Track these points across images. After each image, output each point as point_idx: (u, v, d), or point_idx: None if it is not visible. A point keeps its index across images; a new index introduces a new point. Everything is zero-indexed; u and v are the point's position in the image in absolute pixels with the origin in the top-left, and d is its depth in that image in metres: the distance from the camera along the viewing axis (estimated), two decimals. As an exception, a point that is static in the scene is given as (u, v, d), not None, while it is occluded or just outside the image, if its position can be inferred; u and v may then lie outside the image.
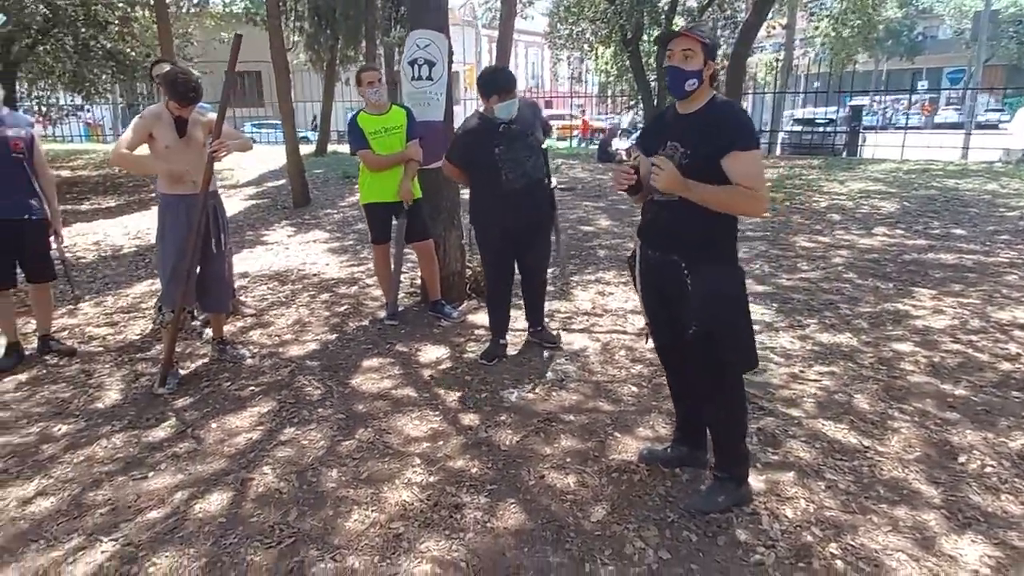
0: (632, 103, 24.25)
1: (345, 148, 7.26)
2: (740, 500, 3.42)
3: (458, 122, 5.56)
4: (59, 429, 4.46)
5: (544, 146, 5.23)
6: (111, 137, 26.93)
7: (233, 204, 12.45)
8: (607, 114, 33.74)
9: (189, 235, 4.81)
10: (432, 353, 5.51)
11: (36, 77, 16.66)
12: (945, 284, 6.76)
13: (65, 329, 6.26)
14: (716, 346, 3.21)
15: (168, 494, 3.68)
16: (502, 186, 5.00)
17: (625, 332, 5.76)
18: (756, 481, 3.59)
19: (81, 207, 12.59)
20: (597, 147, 17.36)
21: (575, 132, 30.32)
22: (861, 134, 21.50)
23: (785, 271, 7.37)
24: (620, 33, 19.03)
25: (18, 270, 5.51)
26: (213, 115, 4.98)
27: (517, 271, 5.47)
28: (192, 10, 19.88)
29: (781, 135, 22.69)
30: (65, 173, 16.46)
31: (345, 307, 6.69)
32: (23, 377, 5.27)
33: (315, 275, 7.88)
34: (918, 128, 28.09)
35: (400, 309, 6.37)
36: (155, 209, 5.19)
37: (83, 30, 14.36)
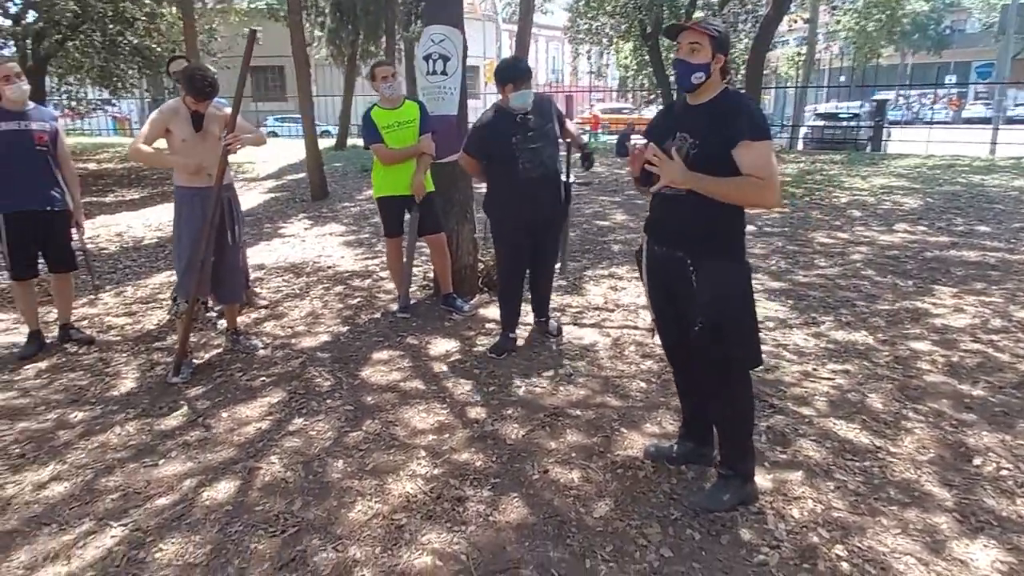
0: (652, 97, 24.12)
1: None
2: (746, 498, 3.39)
3: (477, 116, 5.54)
4: (75, 416, 4.54)
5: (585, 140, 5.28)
6: (138, 131, 27.25)
7: (253, 197, 12.58)
8: (631, 109, 33.57)
9: (204, 227, 4.87)
10: (442, 346, 5.52)
11: (65, 72, 16.88)
12: (967, 282, 6.67)
13: (85, 318, 6.36)
14: (722, 342, 3.19)
15: (177, 481, 3.73)
16: (519, 175, 5.02)
17: (636, 327, 5.74)
18: (763, 480, 3.56)
19: (105, 199, 12.76)
20: (616, 141, 17.26)
21: (585, 127, 30.22)
22: (886, 129, 21.28)
23: (802, 267, 7.31)
24: (639, 27, 18.96)
25: (40, 261, 5.62)
26: (229, 110, 5.03)
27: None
28: (217, 6, 19.99)
29: (803, 130, 22.51)
30: (91, 166, 16.67)
31: (358, 300, 6.72)
32: (43, 365, 5.37)
33: (330, 268, 7.93)
34: (945, 123, 27.83)
35: (412, 302, 6.39)
36: (177, 202, 5.29)
37: (111, 26, 14.57)
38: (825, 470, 3.68)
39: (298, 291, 7.07)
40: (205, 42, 17.47)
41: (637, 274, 3.62)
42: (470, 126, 5.51)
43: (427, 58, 6.08)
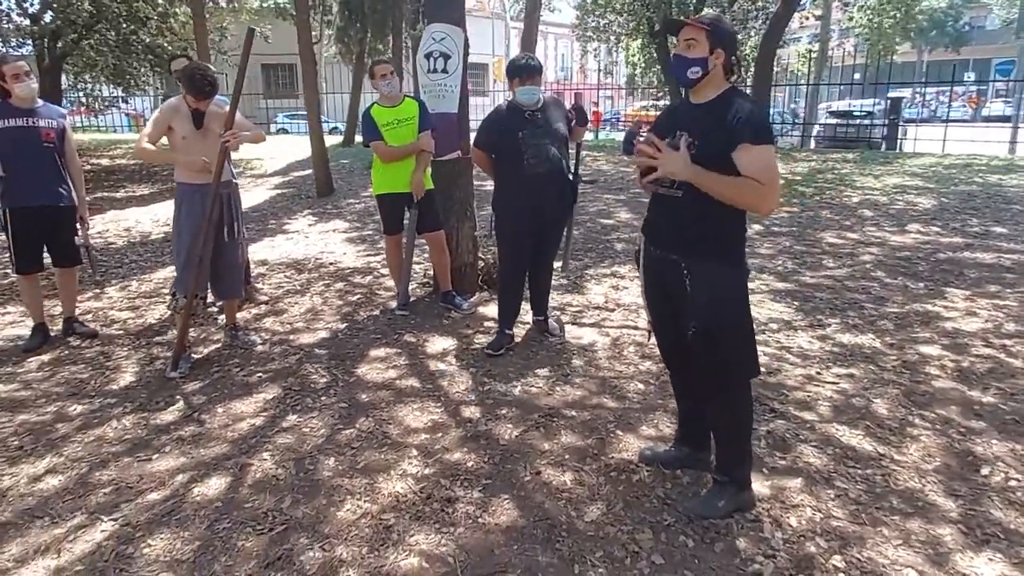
0: (660, 95, 24.04)
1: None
2: (742, 505, 3.31)
3: (483, 113, 5.65)
4: (74, 409, 4.55)
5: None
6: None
7: (259, 193, 12.63)
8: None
9: (202, 223, 4.90)
10: (439, 344, 5.49)
11: (81, 70, 17.08)
12: (980, 285, 6.57)
13: (89, 312, 6.40)
14: (716, 348, 3.13)
15: (169, 477, 3.72)
16: (524, 170, 5.06)
17: (636, 328, 5.67)
18: (761, 487, 3.49)
19: (116, 195, 12.82)
20: (623, 137, 17.20)
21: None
22: (901, 127, 21.08)
23: (809, 268, 7.23)
24: (648, 25, 18.87)
25: (46, 255, 5.69)
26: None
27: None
28: (228, 5, 20.11)
29: (816, 128, 22.35)
30: (104, 162, 16.85)
31: (358, 296, 6.71)
32: (46, 358, 5.41)
33: (332, 264, 7.93)
34: (964, 121, 27.55)
35: (412, 299, 6.38)
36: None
37: (124, 25, 14.73)
38: (826, 477, 3.59)
39: (299, 287, 7.07)
40: (216, 41, 17.55)
41: (639, 274, 3.55)
42: (473, 124, 5.52)
43: (428, 56, 6.09)
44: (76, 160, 5.69)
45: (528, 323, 5.73)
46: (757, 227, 8.78)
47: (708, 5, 18.66)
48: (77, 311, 6.01)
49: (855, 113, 21.95)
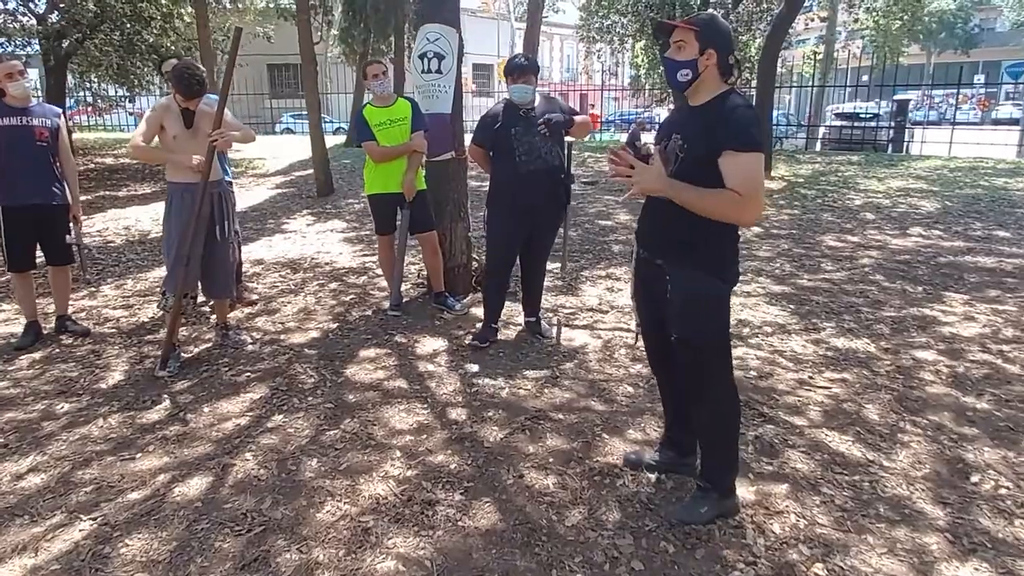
0: (663, 96, 23.96)
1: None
2: (725, 512, 3.27)
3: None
4: (62, 407, 4.53)
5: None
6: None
7: (260, 193, 12.67)
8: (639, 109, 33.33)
9: (190, 221, 4.90)
10: (430, 345, 5.46)
11: (85, 70, 17.12)
12: (980, 289, 6.53)
13: (83, 310, 6.40)
14: (693, 354, 3.10)
15: (151, 476, 3.69)
16: (517, 167, 5.12)
17: (629, 330, 5.64)
18: (746, 492, 3.45)
19: (118, 193, 12.83)
20: (626, 140, 17.18)
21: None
22: (908, 129, 20.98)
23: (807, 271, 7.20)
24: (651, 26, 18.79)
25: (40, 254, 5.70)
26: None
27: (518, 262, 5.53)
28: (232, 5, 20.17)
29: (822, 130, 22.26)
30: (108, 160, 16.87)
31: (351, 296, 6.70)
32: (37, 356, 5.40)
33: (327, 264, 7.93)
34: (973, 124, 27.43)
35: (405, 300, 6.36)
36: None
37: (128, 25, 14.77)
38: (812, 483, 3.55)
39: (293, 287, 7.06)
40: (219, 41, 17.60)
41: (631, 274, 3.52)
42: (471, 123, 5.54)
43: (422, 56, 6.09)
44: (70, 159, 5.70)
45: (520, 324, 5.70)
46: (757, 229, 8.75)
47: (712, 6, 18.57)
48: (71, 309, 6.01)
49: (861, 115, 21.83)
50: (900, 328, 5.62)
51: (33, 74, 18.45)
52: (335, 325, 5.91)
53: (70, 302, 6.02)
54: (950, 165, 14.25)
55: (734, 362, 3.28)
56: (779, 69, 18.12)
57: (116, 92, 18.96)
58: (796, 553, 3.04)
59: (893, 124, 20.60)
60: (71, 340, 5.67)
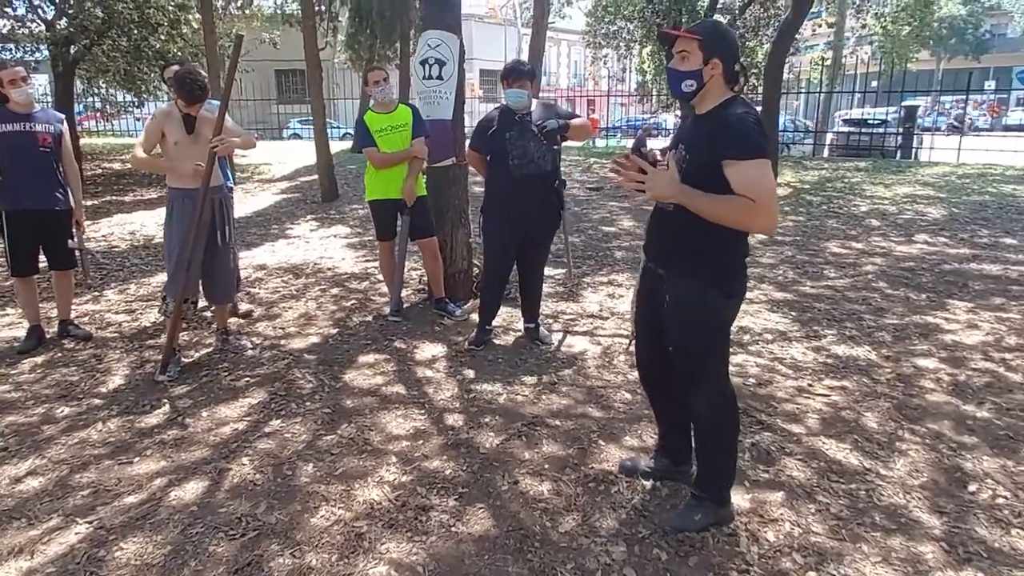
0: (670, 102, 23.96)
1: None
2: (719, 520, 3.25)
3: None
4: (62, 411, 4.55)
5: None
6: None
7: (265, 198, 12.74)
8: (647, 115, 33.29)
9: (191, 227, 4.92)
10: (429, 351, 5.47)
11: (93, 76, 17.18)
12: (984, 297, 6.51)
13: (86, 315, 6.41)
14: (695, 363, 3.10)
15: (148, 480, 3.70)
16: (510, 172, 5.15)
17: (627, 336, 5.59)
18: (741, 500, 3.44)
19: (125, 198, 12.91)
20: (631, 146, 17.20)
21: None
22: (917, 136, 20.91)
23: (810, 278, 7.18)
24: (657, 32, 18.82)
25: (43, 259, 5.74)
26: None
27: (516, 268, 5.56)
28: (238, 12, 20.22)
29: (829, 136, 22.21)
30: (116, 166, 16.96)
31: (352, 302, 6.71)
32: (39, 360, 5.42)
33: (329, 269, 7.94)
34: (983, 130, 27.33)
35: (405, 306, 6.38)
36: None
37: (135, 32, 14.84)
38: (808, 492, 3.53)
39: (295, 292, 7.08)
40: (226, 47, 17.66)
41: (636, 282, 3.50)
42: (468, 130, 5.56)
43: (423, 63, 6.10)
44: (73, 165, 5.73)
45: (520, 330, 5.71)
46: (761, 236, 8.71)
47: (719, 12, 18.57)
48: (73, 314, 6.04)
49: (869, 121, 21.76)
50: (902, 336, 5.60)
51: (42, 80, 18.49)
52: (335, 330, 5.93)
53: (73, 306, 6.04)
54: (958, 172, 14.20)
55: (733, 369, 3.28)
56: (786, 75, 18.07)
57: (124, 98, 19.01)
58: (790, 561, 3.02)
59: (901, 130, 20.54)
60: (73, 344, 5.70)
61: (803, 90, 31.19)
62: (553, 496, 3.50)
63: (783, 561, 3.03)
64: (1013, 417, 4.27)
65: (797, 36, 17.27)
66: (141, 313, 6.45)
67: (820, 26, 30.04)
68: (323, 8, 18.85)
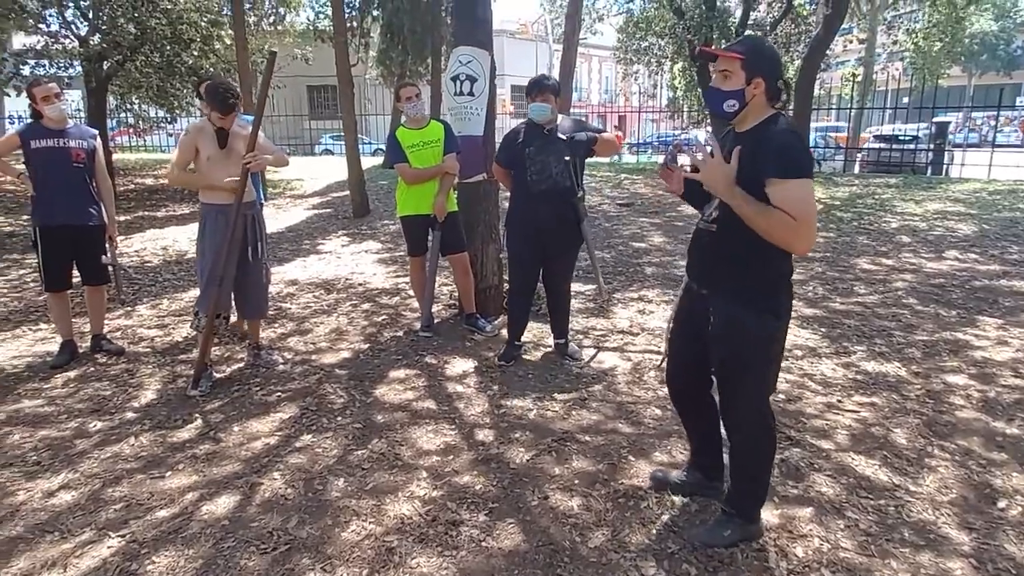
0: (701, 118, 23.92)
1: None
2: (748, 536, 3.25)
3: None
4: (94, 425, 4.59)
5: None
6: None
7: (297, 213, 12.77)
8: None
9: (224, 243, 4.96)
10: (459, 366, 5.49)
11: (126, 91, 17.28)
12: (1015, 313, 6.44)
13: (119, 329, 6.46)
14: (737, 387, 3.10)
15: (180, 494, 3.74)
16: (528, 187, 5.19)
17: (659, 352, 5.60)
18: (770, 515, 3.43)
19: (157, 213, 12.95)
20: (662, 162, 17.13)
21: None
22: (948, 152, 20.74)
23: (840, 294, 7.14)
24: (689, 48, 18.86)
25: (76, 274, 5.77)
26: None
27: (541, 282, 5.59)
28: (270, 27, 20.33)
29: (860, 152, 22.08)
30: (148, 181, 17.06)
31: (383, 317, 6.73)
32: (72, 374, 5.46)
33: (360, 285, 7.96)
34: (1014, 147, 27.05)
35: (436, 321, 6.40)
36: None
37: (168, 48, 14.92)
38: (837, 507, 3.53)
39: (326, 307, 7.11)
40: (258, 63, 17.78)
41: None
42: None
43: (455, 79, 6.13)
44: (106, 180, 5.79)
45: (550, 346, 5.73)
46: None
47: (750, 27, 18.56)
48: (106, 329, 6.09)
49: (900, 137, 21.61)
50: (932, 352, 5.57)
51: (75, 95, 18.60)
52: (366, 345, 5.95)
53: (105, 321, 6.09)
54: (988, 188, 14.05)
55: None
56: (817, 91, 17.99)
57: (156, 113, 19.18)
58: (818, 577, 3.02)
59: (932, 147, 20.39)
60: (105, 359, 5.74)
61: (834, 106, 31.07)
62: (583, 511, 3.51)
63: (812, 577, 3.02)
64: (1043, 434, 4.23)
65: (828, 52, 17.26)
66: (173, 328, 6.50)
67: (851, 42, 29.87)
68: (355, 24, 18.95)
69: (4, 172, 5.68)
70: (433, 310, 6.42)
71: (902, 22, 25.73)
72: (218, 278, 4.98)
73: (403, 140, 5.90)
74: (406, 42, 18.04)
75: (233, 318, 5.58)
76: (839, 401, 4.75)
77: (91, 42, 14.49)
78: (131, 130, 20.82)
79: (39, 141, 5.40)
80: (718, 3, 18.23)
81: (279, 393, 5.02)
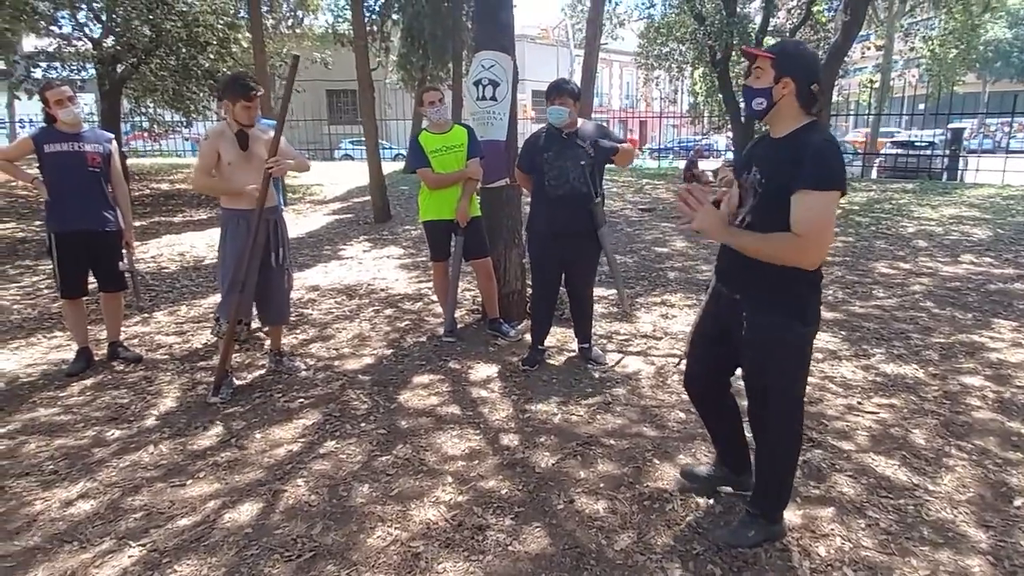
0: (721, 124, 23.94)
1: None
2: (772, 536, 3.27)
3: None
4: (112, 434, 4.56)
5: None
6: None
7: (317, 219, 12.76)
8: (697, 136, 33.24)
9: (246, 249, 4.92)
10: (483, 371, 5.48)
11: (140, 95, 17.12)
12: (1029, 316, 6.47)
13: (136, 336, 6.43)
14: (761, 403, 3.14)
15: (201, 502, 3.72)
16: (547, 192, 5.20)
17: (682, 356, 5.61)
18: (793, 516, 3.45)
19: (174, 219, 12.95)
20: (684, 166, 17.25)
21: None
22: (963, 158, 20.73)
23: (859, 298, 7.17)
24: (709, 54, 18.89)
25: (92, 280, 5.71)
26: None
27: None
28: (288, 31, 20.26)
29: (878, 158, 22.09)
30: (164, 186, 17.03)
31: (406, 323, 6.73)
32: (89, 382, 5.42)
33: (383, 290, 7.96)
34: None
35: (460, 326, 6.40)
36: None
37: (184, 50, 14.82)
38: (858, 507, 3.56)
39: (348, 313, 7.10)
40: (276, 67, 17.73)
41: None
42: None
43: (477, 83, 6.13)
44: (123, 184, 5.72)
45: (574, 351, 5.74)
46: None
47: (770, 34, 18.59)
48: (123, 336, 6.05)
49: (916, 144, 21.61)
50: (948, 354, 5.60)
51: (88, 99, 18.43)
52: (389, 351, 5.95)
53: (122, 328, 6.05)
54: (1003, 193, 14.08)
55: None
56: (836, 97, 17.96)
57: (172, 117, 19.04)
58: (840, 575, 3.05)
59: (947, 152, 20.38)
60: (123, 366, 5.69)
61: (852, 112, 31.10)
62: (609, 514, 3.52)
63: (834, 575, 3.05)
64: (1058, 434, 4.26)
65: (846, 59, 17.27)
66: (192, 335, 6.48)
67: (869, 49, 29.88)
68: (375, 28, 18.90)
69: (16, 177, 5.57)
70: (456, 315, 6.43)
71: (919, 29, 25.72)
72: (240, 284, 4.93)
73: (426, 145, 5.88)
74: (426, 47, 18.02)
75: (255, 324, 5.55)
76: (859, 403, 4.78)
77: (104, 44, 14.33)
78: (145, 134, 20.71)
79: (53, 145, 5.32)
80: (739, 9, 18.24)
81: (302, 399, 5.00)
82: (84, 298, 5.72)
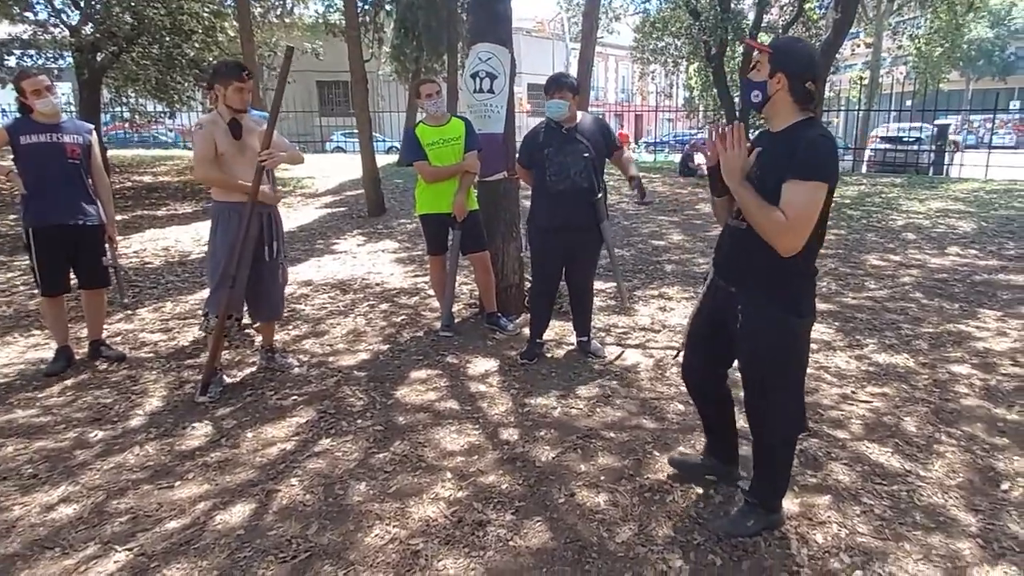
0: (716, 118, 24.02)
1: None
2: (771, 525, 3.30)
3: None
4: (95, 435, 4.42)
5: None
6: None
7: (309, 212, 12.63)
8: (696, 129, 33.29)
9: (237, 243, 4.82)
10: (481, 366, 5.46)
11: (122, 84, 16.53)
12: (1012, 306, 6.62)
13: (119, 334, 6.28)
14: (759, 395, 3.14)
15: (190, 504, 3.62)
16: (548, 187, 5.18)
17: (680, 348, 5.63)
18: (790, 504, 3.49)
19: (157, 212, 12.69)
20: (680, 160, 17.37)
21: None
22: (948, 153, 20.91)
23: (852, 289, 7.26)
24: (704, 49, 18.96)
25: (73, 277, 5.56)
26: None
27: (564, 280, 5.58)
28: (277, 20, 19.95)
29: (867, 153, 22.28)
30: (147, 179, 16.66)
31: (402, 317, 6.67)
32: (69, 382, 5.27)
33: (378, 285, 7.89)
34: (1009, 148, 27.44)
35: (457, 320, 6.36)
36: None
37: (168, 39, 14.46)
38: (853, 494, 3.62)
39: (343, 308, 7.02)
40: (265, 56, 17.40)
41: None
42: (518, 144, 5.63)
43: (474, 76, 6.08)
44: (104, 177, 5.55)
45: (573, 344, 5.73)
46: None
47: (763, 30, 18.71)
48: (106, 333, 5.90)
49: (904, 139, 21.78)
50: (937, 344, 5.69)
51: (65, 88, 17.90)
52: (385, 346, 5.89)
53: (105, 326, 5.91)
54: (986, 188, 14.26)
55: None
56: (827, 93, 18.06)
57: (154, 108, 18.57)
58: (837, 562, 3.11)
59: (933, 148, 20.57)
60: (106, 366, 5.54)
61: (842, 107, 31.41)
62: (609, 507, 3.52)
63: (831, 562, 3.11)
64: (1042, 419, 4.36)
65: (837, 56, 17.40)
66: (178, 332, 6.33)
67: (859, 46, 30.13)
68: (367, 19, 18.72)
69: None
70: (454, 309, 6.39)
71: (906, 27, 25.98)
72: (230, 278, 4.81)
73: (423, 137, 5.82)
74: (420, 38, 17.87)
75: (245, 320, 5.46)
76: (853, 392, 4.85)
77: (83, 32, 13.96)
78: (126, 124, 20.19)
79: (30, 136, 5.13)
80: (732, 5, 18.34)
81: (295, 397, 4.92)
82: (65, 295, 5.56)
